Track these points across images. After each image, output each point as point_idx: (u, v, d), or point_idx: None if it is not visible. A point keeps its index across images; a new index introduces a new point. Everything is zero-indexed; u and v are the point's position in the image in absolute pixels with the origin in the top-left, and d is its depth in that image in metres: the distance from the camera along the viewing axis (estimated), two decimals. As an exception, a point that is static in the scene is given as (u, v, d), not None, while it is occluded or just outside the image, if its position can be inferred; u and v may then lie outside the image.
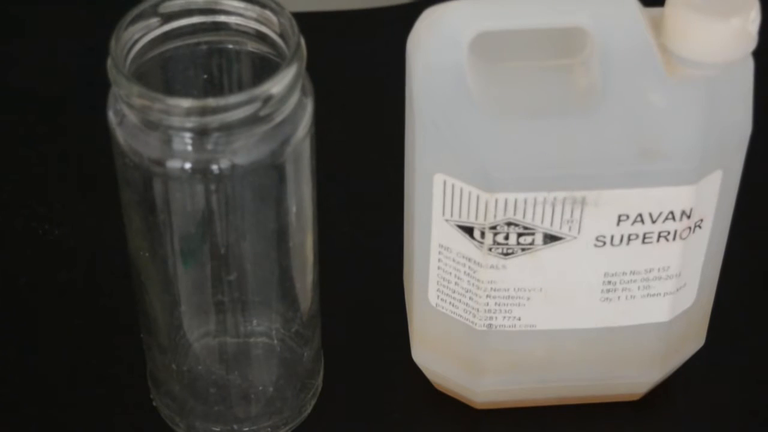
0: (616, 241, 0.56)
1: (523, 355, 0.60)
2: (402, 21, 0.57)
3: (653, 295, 0.58)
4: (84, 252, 0.70)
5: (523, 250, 0.56)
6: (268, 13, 0.55)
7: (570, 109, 0.54)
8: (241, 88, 0.57)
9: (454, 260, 0.57)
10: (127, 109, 0.53)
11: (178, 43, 0.56)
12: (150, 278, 0.58)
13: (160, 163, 0.53)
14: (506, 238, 0.56)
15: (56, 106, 0.78)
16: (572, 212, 0.55)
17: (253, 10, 0.55)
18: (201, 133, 0.52)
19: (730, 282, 0.62)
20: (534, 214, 0.55)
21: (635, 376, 0.62)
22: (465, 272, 0.57)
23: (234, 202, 0.54)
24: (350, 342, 0.65)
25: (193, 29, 0.55)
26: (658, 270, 0.57)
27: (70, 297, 0.68)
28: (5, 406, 0.63)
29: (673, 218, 0.55)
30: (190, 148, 0.52)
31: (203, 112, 0.51)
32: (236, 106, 0.51)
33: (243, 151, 0.53)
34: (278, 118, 0.53)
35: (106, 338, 0.66)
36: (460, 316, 0.59)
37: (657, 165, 0.54)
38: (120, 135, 0.54)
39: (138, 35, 0.54)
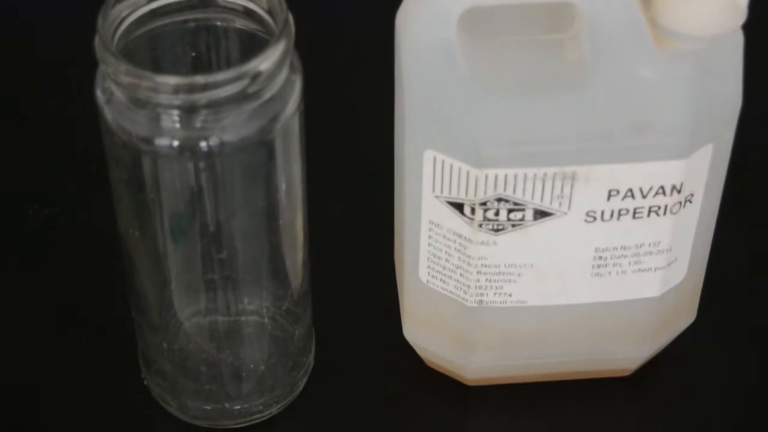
0: (607, 216, 0.56)
1: (514, 332, 0.60)
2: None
3: (644, 270, 0.58)
4: (73, 231, 0.70)
5: (513, 226, 0.56)
6: (255, -11, 0.55)
7: (560, 84, 0.54)
8: (229, 65, 0.57)
9: (444, 237, 0.57)
10: (114, 87, 0.53)
11: (166, 20, 0.55)
12: (140, 257, 0.58)
13: (149, 140, 0.53)
14: (496, 214, 0.55)
15: (44, 84, 0.77)
16: (562, 188, 0.55)
17: (241, -13, 0.55)
18: (189, 111, 0.52)
19: (721, 257, 0.62)
20: (524, 189, 0.55)
21: (626, 352, 0.62)
22: (455, 249, 0.57)
23: (223, 180, 0.54)
24: (341, 320, 0.66)
25: (181, 6, 0.55)
26: (649, 245, 0.57)
27: (60, 277, 0.68)
28: (4, 375, 0.63)
29: (664, 193, 0.55)
30: (178, 125, 0.52)
31: (191, 89, 0.51)
32: (224, 83, 0.51)
33: (232, 129, 0.53)
34: (267, 95, 0.53)
35: (97, 317, 0.66)
36: (451, 292, 0.59)
37: (647, 139, 0.54)
38: (108, 113, 0.53)
39: (125, 13, 0.54)
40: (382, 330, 0.64)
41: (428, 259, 0.58)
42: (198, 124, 0.52)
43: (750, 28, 0.54)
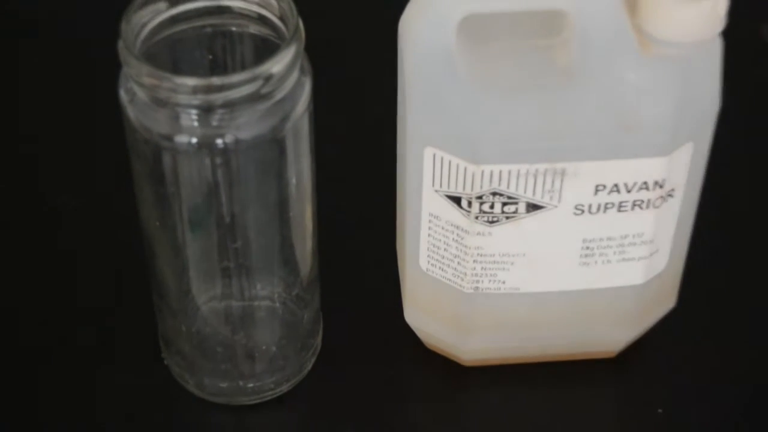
0: (594, 209, 0.56)
1: (507, 316, 0.60)
2: (394, 4, 0.57)
3: (628, 259, 0.58)
4: (99, 221, 0.70)
5: (507, 218, 0.56)
6: (268, -3, 0.55)
7: (551, 86, 0.54)
8: (243, 67, 0.56)
9: (443, 228, 0.57)
10: (137, 88, 0.53)
11: (185, 25, 0.55)
12: (160, 246, 0.58)
13: (169, 138, 0.53)
14: (491, 207, 0.56)
15: (72, 84, 0.77)
16: (553, 182, 0.55)
17: (254, -5, 0.55)
18: (206, 110, 0.52)
19: (700, 247, 0.62)
20: (517, 184, 0.55)
21: (611, 335, 0.62)
22: (453, 239, 0.57)
23: (238, 175, 0.54)
24: (347, 304, 0.65)
25: (199, 13, 0.55)
26: (633, 236, 0.57)
27: (87, 263, 0.68)
28: (23, 362, 0.63)
29: (647, 188, 0.55)
30: (196, 123, 0.52)
31: (208, 90, 0.51)
32: (239, 84, 0.51)
33: (246, 127, 0.53)
34: (278, 96, 0.53)
35: (120, 301, 0.66)
36: (449, 280, 0.59)
37: (632, 138, 0.54)
38: (131, 112, 0.53)
39: (147, 18, 0.54)
40: (385, 314, 0.64)
41: (428, 249, 0.59)
42: (214, 123, 0.52)
43: (728, 34, 0.54)
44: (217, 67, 0.57)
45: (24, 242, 0.69)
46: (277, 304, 0.62)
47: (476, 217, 0.56)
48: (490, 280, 0.58)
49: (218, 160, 0.53)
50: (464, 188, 0.55)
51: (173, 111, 0.52)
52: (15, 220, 0.70)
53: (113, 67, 0.54)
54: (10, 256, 0.68)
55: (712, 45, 0.54)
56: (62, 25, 0.81)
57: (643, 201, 0.56)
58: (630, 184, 0.55)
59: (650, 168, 0.55)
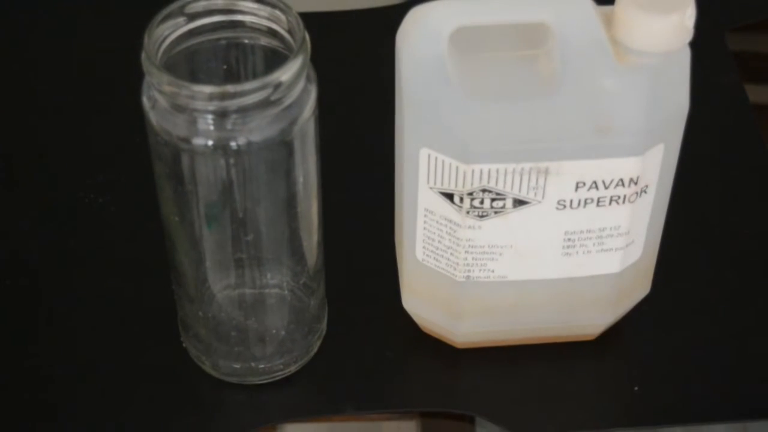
0: (575, 204, 0.56)
1: (496, 302, 0.60)
2: (392, 18, 0.57)
3: (606, 250, 0.58)
4: (123, 217, 0.70)
5: (495, 212, 0.56)
6: (277, 12, 0.54)
7: (535, 92, 0.54)
8: (255, 76, 0.56)
9: (437, 222, 0.57)
10: (158, 95, 0.53)
11: (202, 38, 0.55)
12: (179, 239, 0.58)
13: (187, 140, 0.53)
14: (481, 202, 0.56)
15: (99, 93, 0.78)
16: (537, 180, 0.55)
17: (265, 10, 0.55)
18: (221, 115, 0.52)
19: (672, 238, 0.62)
20: (505, 182, 0.55)
21: (592, 319, 0.62)
22: (447, 232, 0.57)
23: (250, 174, 0.54)
24: (350, 292, 0.65)
25: (214, 27, 0.55)
26: (610, 229, 0.57)
27: (112, 255, 0.68)
28: (58, 338, 0.64)
29: (623, 185, 0.55)
30: (212, 127, 0.52)
31: (223, 97, 0.51)
32: (251, 91, 0.51)
33: (257, 130, 0.53)
34: (287, 102, 0.53)
35: (143, 289, 0.66)
36: (443, 269, 0.59)
37: (609, 139, 0.54)
38: (152, 117, 0.53)
39: (167, 32, 0.54)
40: (385, 301, 0.64)
41: (423, 241, 0.59)
42: (229, 127, 0.52)
43: (696, 44, 0.54)
44: (231, 76, 0.57)
45: (57, 235, 0.69)
46: (286, 292, 0.62)
47: (467, 212, 0.56)
48: (480, 270, 0.59)
49: (232, 161, 0.53)
50: (456, 185, 0.55)
51: (191, 116, 0.52)
52: (50, 215, 0.70)
53: (137, 77, 0.54)
54: (48, 245, 0.68)
55: (681, 54, 0.54)
56: (91, 39, 0.81)
57: (619, 197, 0.56)
58: (607, 182, 0.55)
59: (625, 167, 0.55)
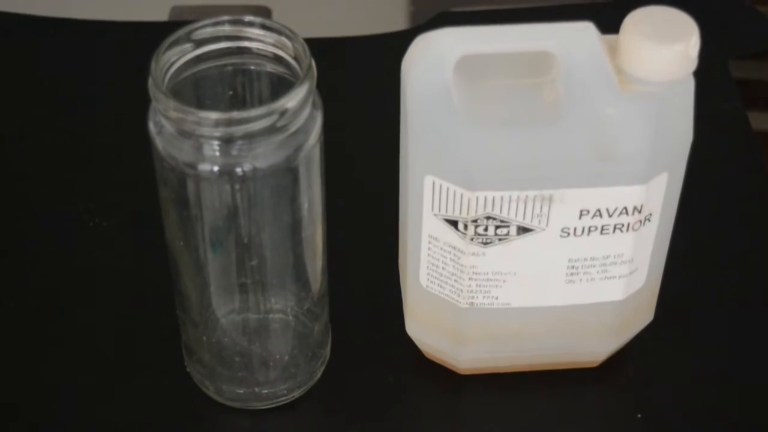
0: (579, 232, 0.56)
1: (499, 329, 0.60)
2: (398, 46, 0.57)
3: (610, 277, 0.58)
4: (128, 241, 0.70)
5: (500, 239, 0.56)
6: (284, 39, 0.55)
7: (539, 120, 0.54)
8: (261, 103, 0.56)
9: (441, 248, 0.57)
10: (164, 121, 0.53)
11: (208, 64, 0.56)
12: (184, 263, 0.58)
13: (193, 166, 0.53)
14: (486, 229, 0.56)
15: (106, 118, 0.78)
16: (541, 208, 0.55)
17: (271, 37, 0.55)
18: (227, 141, 0.52)
19: (675, 265, 0.62)
20: (509, 209, 0.55)
21: (595, 346, 0.62)
22: (451, 259, 0.57)
23: (255, 200, 0.54)
24: (354, 318, 0.65)
25: (221, 53, 0.55)
26: (614, 256, 0.57)
27: (116, 279, 0.68)
28: (62, 364, 0.64)
29: (627, 213, 0.55)
30: (218, 153, 0.53)
31: (229, 123, 0.51)
32: (257, 118, 0.52)
33: (263, 156, 0.53)
34: (292, 128, 0.53)
35: (147, 314, 0.66)
36: (447, 295, 0.59)
37: (613, 168, 0.54)
38: (159, 142, 0.54)
39: (174, 58, 0.54)
40: (389, 327, 0.64)
41: (428, 267, 0.59)
42: (234, 153, 0.52)
43: (699, 72, 0.54)
44: (237, 102, 0.57)
45: (62, 258, 0.69)
46: (290, 317, 0.62)
47: (471, 239, 0.56)
48: (484, 296, 0.58)
49: (237, 187, 0.54)
50: (461, 212, 0.55)
51: (197, 142, 0.52)
52: (56, 237, 0.70)
53: (143, 102, 0.54)
54: (52, 268, 0.68)
55: (685, 83, 0.54)
56: (99, 63, 0.82)
57: (623, 224, 0.56)
58: (611, 210, 0.55)
59: (629, 195, 0.55)
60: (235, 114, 0.51)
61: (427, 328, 0.62)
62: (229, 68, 0.56)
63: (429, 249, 0.58)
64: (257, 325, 0.62)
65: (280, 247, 0.58)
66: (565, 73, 0.53)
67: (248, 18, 0.55)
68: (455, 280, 0.58)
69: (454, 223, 0.56)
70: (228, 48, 0.55)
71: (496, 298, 0.58)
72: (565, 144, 0.54)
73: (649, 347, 0.64)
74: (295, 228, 0.57)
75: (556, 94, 0.54)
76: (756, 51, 0.83)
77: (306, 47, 0.54)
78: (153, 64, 0.53)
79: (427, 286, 0.59)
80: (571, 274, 0.58)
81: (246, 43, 0.55)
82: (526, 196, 0.54)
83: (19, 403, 0.62)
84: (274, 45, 0.55)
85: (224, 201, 0.54)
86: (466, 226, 0.56)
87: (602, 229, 0.56)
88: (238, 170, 0.53)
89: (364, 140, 0.75)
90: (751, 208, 0.72)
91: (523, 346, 0.61)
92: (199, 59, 0.55)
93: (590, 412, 0.63)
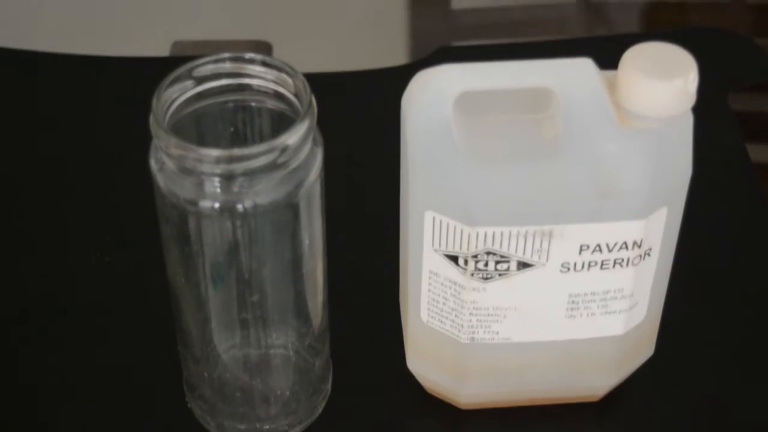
0: (579, 267, 0.56)
1: (500, 364, 0.60)
2: (398, 80, 0.58)
3: (610, 312, 0.58)
4: (129, 277, 0.70)
5: (500, 275, 0.56)
6: (284, 76, 0.55)
7: (539, 156, 0.54)
8: (262, 139, 0.56)
9: (442, 284, 0.57)
10: (165, 158, 0.53)
11: (209, 101, 0.56)
12: (185, 299, 0.58)
13: (194, 203, 0.53)
14: (486, 265, 0.56)
15: (108, 156, 0.78)
16: (541, 243, 0.55)
17: (271, 74, 0.55)
18: (228, 178, 0.52)
19: (675, 300, 0.62)
20: (509, 244, 0.55)
21: (595, 381, 0.62)
22: (451, 294, 0.58)
23: (256, 236, 0.55)
24: (355, 353, 0.65)
25: (222, 90, 0.56)
26: (614, 291, 0.57)
27: (117, 314, 0.68)
28: (63, 399, 0.64)
29: (626, 248, 0.55)
30: (219, 190, 0.53)
31: (230, 160, 0.52)
32: (258, 155, 0.52)
33: (263, 193, 0.53)
34: (293, 165, 0.53)
35: (148, 349, 0.66)
36: (448, 330, 0.59)
37: (612, 203, 0.54)
38: (160, 179, 0.54)
39: (175, 95, 0.54)
40: (390, 362, 0.64)
41: (428, 303, 0.59)
42: (235, 189, 0.52)
43: (698, 107, 0.55)
44: (238, 139, 0.57)
45: (64, 293, 0.69)
46: (291, 353, 0.62)
47: (472, 274, 0.56)
48: (484, 331, 0.58)
49: (238, 223, 0.54)
50: (461, 248, 0.55)
51: (198, 178, 0.53)
52: (57, 273, 0.70)
53: (145, 138, 0.54)
54: (53, 304, 0.68)
55: (683, 119, 0.54)
56: (100, 101, 0.82)
57: (623, 259, 0.56)
58: (611, 245, 0.55)
59: (629, 230, 0.55)
60: (236, 151, 0.51)
61: (428, 363, 0.61)
62: (230, 105, 0.56)
63: (429, 284, 0.58)
64: (258, 361, 0.62)
65: (281, 282, 0.58)
66: (564, 110, 0.53)
67: (249, 55, 0.55)
68: (456, 315, 0.58)
69: (454, 259, 0.56)
70: (229, 85, 0.56)
71: (497, 333, 0.58)
72: (565, 180, 0.54)
73: (650, 382, 0.64)
74: (296, 263, 0.57)
75: (556, 130, 0.54)
76: (755, 84, 0.83)
77: (306, 84, 0.54)
78: (154, 102, 0.53)
79: (427, 322, 0.59)
80: (572, 309, 0.58)
81: (247, 80, 0.56)
82: (526, 232, 0.54)
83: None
84: (274, 82, 0.55)
85: (225, 237, 0.54)
86: (466, 262, 0.56)
87: (602, 264, 0.56)
88: (239, 207, 0.53)
89: (364, 176, 0.75)
90: (751, 241, 0.72)
91: (524, 381, 0.61)
92: (200, 96, 0.55)
93: (591, 447, 0.62)
